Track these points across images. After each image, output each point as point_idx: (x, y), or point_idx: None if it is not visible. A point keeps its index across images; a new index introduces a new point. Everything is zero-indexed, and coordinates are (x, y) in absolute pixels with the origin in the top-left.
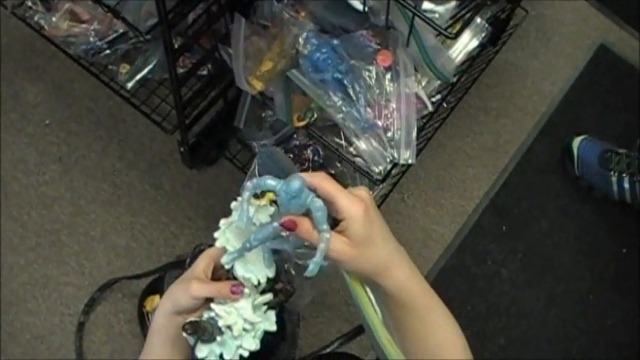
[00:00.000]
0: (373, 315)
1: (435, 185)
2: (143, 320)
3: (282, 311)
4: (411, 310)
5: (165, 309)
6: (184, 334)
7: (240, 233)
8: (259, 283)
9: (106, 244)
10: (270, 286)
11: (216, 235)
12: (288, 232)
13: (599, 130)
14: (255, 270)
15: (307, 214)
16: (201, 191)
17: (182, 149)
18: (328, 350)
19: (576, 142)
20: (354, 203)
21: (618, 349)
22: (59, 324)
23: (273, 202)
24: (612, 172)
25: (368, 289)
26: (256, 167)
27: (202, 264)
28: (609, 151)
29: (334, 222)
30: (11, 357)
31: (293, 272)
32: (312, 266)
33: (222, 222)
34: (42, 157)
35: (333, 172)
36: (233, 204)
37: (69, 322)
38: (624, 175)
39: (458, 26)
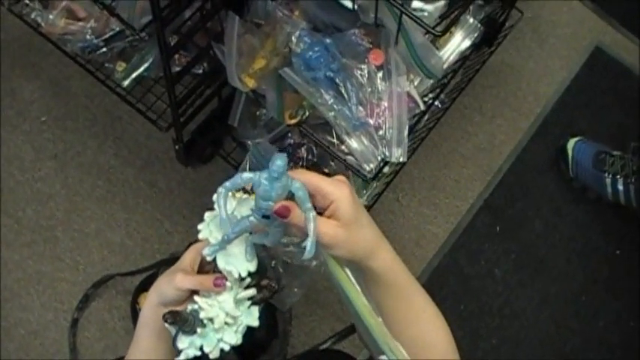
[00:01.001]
0: (355, 293)
1: (429, 185)
2: (136, 317)
3: (273, 310)
4: (397, 293)
5: (151, 301)
6: (165, 324)
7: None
8: (243, 278)
9: (100, 240)
10: (256, 281)
11: (200, 227)
12: (268, 224)
13: (593, 132)
14: (237, 263)
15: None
16: (196, 189)
17: (177, 147)
18: (321, 348)
19: (571, 143)
20: (339, 186)
21: (611, 349)
22: (53, 320)
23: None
24: (606, 174)
25: (348, 272)
26: (247, 163)
27: (189, 257)
28: (604, 152)
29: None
30: (5, 352)
31: (281, 270)
32: (310, 246)
33: (207, 215)
34: (38, 154)
35: (327, 170)
36: (214, 197)
37: (63, 318)
38: (618, 176)
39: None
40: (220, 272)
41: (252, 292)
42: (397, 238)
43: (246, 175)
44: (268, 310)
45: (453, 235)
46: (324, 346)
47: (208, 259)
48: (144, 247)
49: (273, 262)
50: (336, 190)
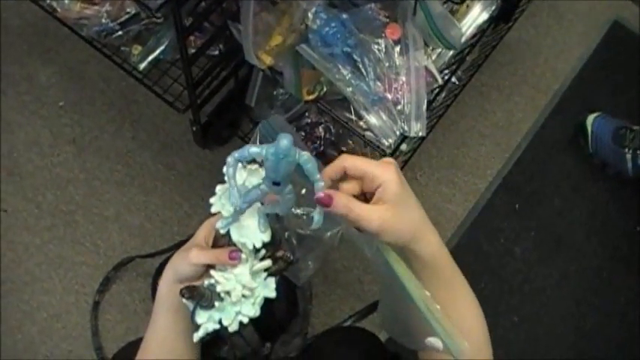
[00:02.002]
0: (411, 279)
1: (447, 164)
2: None
3: (294, 288)
4: (440, 277)
5: (167, 278)
6: (183, 300)
7: None
8: (257, 250)
9: (120, 223)
10: (270, 253)
11: (212, 200)
12: (277, 194)
13: (612, 107)
14: (250, 235)
15: (295, 182)
16: (214, 171)
17: (194, 129)
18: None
19: (590, 119)
20: (385, 167)
21: (631, 326)
22: (75, 303)
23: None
24: (627, 149)
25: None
26: (258, 136)
27: (203, 232)
28: (623, 127)
29: (365, 199)
30: (28, 335)
31: (295, 242)
32: (317, 217)
33: (219, 188)
34: (56, 139)
35: (344, 149)
36: (225, 169)
37: (84, 300)
38: (639, 151)
39: None
40: (235, 245)
41: (267, 263)
42: None
43: (254, 149)
44: (288, 288)
45: (472, 213)
46: (346, 324)
47: (222, 232)
48: (163, 229)
49: (287, 234)
50: (384, 172)
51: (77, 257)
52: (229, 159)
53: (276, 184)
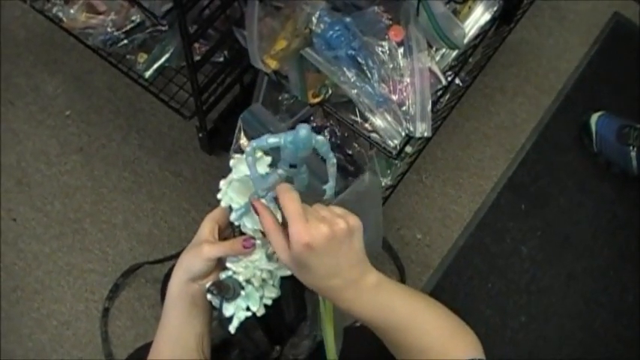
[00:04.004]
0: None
1: (452, 165)
2: None
3: (302, 292)
4: (374, 327)
5: (178, 279)
6: (209, 297)
7: (242, 189)
8: None
9: (128, 231)
10: None
11: (219, 196)
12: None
13: (616, 106)
14: None
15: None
16: (221, 176)
17: (201, 135)
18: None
19: (594, 118)
20: (298, 238)
21: (639, 323)
22: (84, 310)
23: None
24: (631, 147)
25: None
26: (241, 127)
27: (207, 228)
28: (627, 126)
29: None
30: (39, 343)
31: None
32: (329, 191)
33: (222, 182)
34: (63, 148)
35: (350, 152)
36: (231, 162)
37: (94, 308)
38: None
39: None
40: (242, 234)
41: None
42: (422, 218)
43: (272, 139)
44: (297, 292)
45: (478, 214)
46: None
47: (236, 223)
48: (171, 235)
49: None
50: (293, 240)
51: (86, 265)
52: (248, 148)
53: (292, 166)
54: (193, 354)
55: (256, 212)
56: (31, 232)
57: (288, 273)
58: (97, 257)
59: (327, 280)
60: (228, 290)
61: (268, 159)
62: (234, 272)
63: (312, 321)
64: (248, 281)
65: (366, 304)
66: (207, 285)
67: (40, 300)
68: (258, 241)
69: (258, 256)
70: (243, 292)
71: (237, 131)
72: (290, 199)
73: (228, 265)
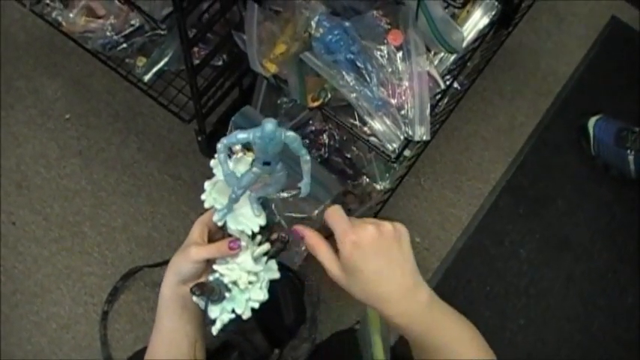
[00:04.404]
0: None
1: (451, 169)
2: None
3: (301, 295)
4: (417, 346)
5: (169, 281)
6: (194, 298)
7: (226, 190)
8: (255, 235)
9: (127, 234)
10: (266, 237)
11: (203, 197)
12: (268, 175)
13: (614, 109)
14: (247, 221)
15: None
16: None
17: (200, 138)
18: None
19: (592, 121)
20: (345, 237)
21: (638, 326)
22: (84, 313)
23: (248, 150)
24: (629, 151)
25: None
26: (232, 129)
27: (197, 231)
28: (625, 129)
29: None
30: (38, 346)
31: (285, 225)
32: (304, 188)
33: (207, 184)
34: (62, 151)
35: (349, 155)
36: (212, 162)
37: (93, 311)
38: None
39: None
40: (231, 236)
41: (266, 246)
42: (421, 221)
43: (241, 135)
44: (296, 294)
45: (477, 217)
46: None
47: (219, 224)
48: (170, 238)
49: (277, 218)
50: (341, 242)
51: (85, 268)
52: (219, 145)
53: (266, 163)
54: (188, 355)
55: (300, 237)
56: (31, 236)
57: (276, 276)
58: (97, 260)
59: (378, 286)
60: (212, 292)
61: (249, 159)
62: (221, 274)
63: (310, 324)
64: (234, 283)
65: (417, 319)
66: (190, 286)
67: (39, 303)
68: (243, 243)
69: (244, 257)
70: (228, 295)
71: (227, 133)
72: (334, 210)
73: (214, 267)
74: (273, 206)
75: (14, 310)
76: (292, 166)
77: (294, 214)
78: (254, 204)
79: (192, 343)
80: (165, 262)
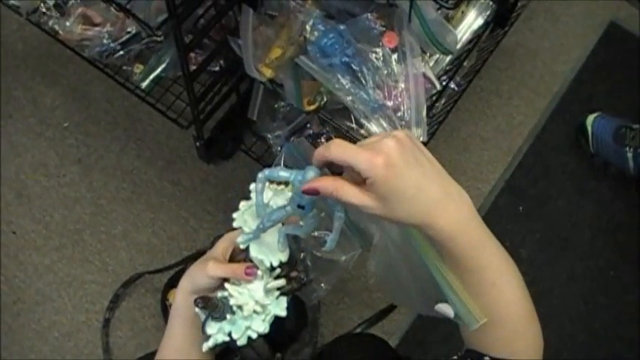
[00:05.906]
0: (437, 257)
1: (450, 169)
2: (167, 313)
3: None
4: (459, 263)
5: (184, 288)
6: (197, 310)
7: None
8: (273, 268)
9: (127, 241)
10: (285, 272)
11: (234, 215)
12: (300, 217)
13: (612, 107)
14: (269, 253)
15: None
16: (219, 185)
17: (198, 144)
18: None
19: (590, 119)
20: (372, 162)
21: None
22: (85, 321)
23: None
24: (628, 148)
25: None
26: (282, 157)
27: (222, 246)
28: (624, 126)
29: None
30: (40, 355)
31: (309, 264)
32: (329, 242)
33: (242, 204)
34: (62, 160)
35: None
36: (252, 186)
37: (95, 318)
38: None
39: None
40: (251, 262)
41: (281, 282)
42: None
43: (283, 173)
44: (298, 299)
45: None
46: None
47: (242, 247)
48: (170, 245)
49: (303, 255)
50: (370, 169)
51: (86, 276)
52: (260, 175)
53: (301, 207)
54: None
55: (312, 193)
56: (31, 245)
57: (283, 314)
58: (97, 268)
59: (424, 198)
60: (215, 308)
61: (289, 194)
62: (230, 294)
63: (312, 327)
64: (239, 307)
65: (466, 227)
66: (195, 297)
67: (40, 312)
68: (259, 272)
69: (256, 286)
70: (229, 317)
71: (277, 158)
72: (339, 144)
73: (226, 285)
74: (302, 242)
75: (16, 319)
76: (329, 214)
77: (319, 254)
78: (281, 238)
79: (200, 351)
80: (167, 268)
